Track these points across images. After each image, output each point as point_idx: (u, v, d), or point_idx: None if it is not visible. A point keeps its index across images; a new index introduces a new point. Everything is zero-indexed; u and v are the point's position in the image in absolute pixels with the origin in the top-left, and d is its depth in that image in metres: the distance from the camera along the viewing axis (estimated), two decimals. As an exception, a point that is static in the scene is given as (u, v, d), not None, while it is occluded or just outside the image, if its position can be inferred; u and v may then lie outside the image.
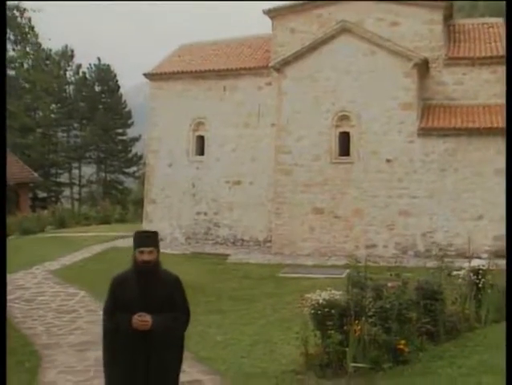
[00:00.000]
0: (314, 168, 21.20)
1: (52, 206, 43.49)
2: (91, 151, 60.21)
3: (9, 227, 25.21)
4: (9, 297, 13.01)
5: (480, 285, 10.86)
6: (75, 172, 60.97)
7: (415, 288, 9.79)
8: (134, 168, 60.96)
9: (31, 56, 35.47)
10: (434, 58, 21.41)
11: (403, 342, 8.74)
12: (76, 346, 10.63)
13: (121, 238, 25.34)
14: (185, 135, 24.53)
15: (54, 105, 57.14)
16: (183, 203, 24.57)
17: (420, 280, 10.01)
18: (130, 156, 60.95)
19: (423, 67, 20.97)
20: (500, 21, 23.03)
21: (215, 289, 15.48)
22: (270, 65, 22.46)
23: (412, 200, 20.28)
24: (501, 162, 18.94)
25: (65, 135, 60.98)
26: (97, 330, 10.94)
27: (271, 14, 23.44)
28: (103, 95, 60.47)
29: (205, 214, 24.25)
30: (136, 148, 60.25)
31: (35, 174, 41.01)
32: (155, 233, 5.94)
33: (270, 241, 22.26)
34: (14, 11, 31.16)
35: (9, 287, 13.59)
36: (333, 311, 8.64)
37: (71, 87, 61.05)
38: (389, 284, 9.70)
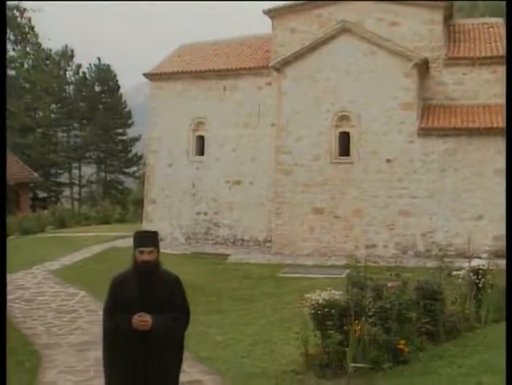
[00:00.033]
0: (314, 168, 21.21)
1: (52, 206, 43.51)
2: (91, 151, 60.22)
3: (9, 227, 25.22)
4: (9, 297, 13.02)
5: (480, 285, 10.87)
6: (75, 172, 60.98)
7: (415, 288, 9.80)
8: (134, 168, 60.97)
9: (31, 56, 35.50)
10: (434, 58, 21.42)
11: (403, 342, 8.74)
12: (76, 345, 10.63)
13: (121, 238, 25.34)
14: (185, 135, 24.54)
15: (54, 105, 57.18)
16: (183, 203, 24.57)
17: (420, 280, 10.02)
18: (130, 156, 60.96)
19: (423, 67, 20.97)
20: (500, 21, 23.04)
21: (215, 289, 15.48)
22: (270, 65, 22.46)
23: (412, 200, 20.29)
24: (501, 162, 18.95)
25: (65, 135, 60.99)
26: (97, 330, 10.95)
27: (271, 13, 23.44)
28: (103, 95, 60.48)
29: (205, 214, 24.25)
30: (136, 148, 60.26)
31: (35, 174, 41.01)
32: (155, 233, 5.93)
33: (270, 241, 22.26)
34: (14, 11, 31.17)
35: (9, 287, 13.59)
36: (333, 311, 8.65)
37: (71, 86, 61.08)
38: (389, 284, 9.71)
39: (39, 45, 37.75)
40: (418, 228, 20.25)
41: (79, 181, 61.11)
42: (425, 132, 20.29)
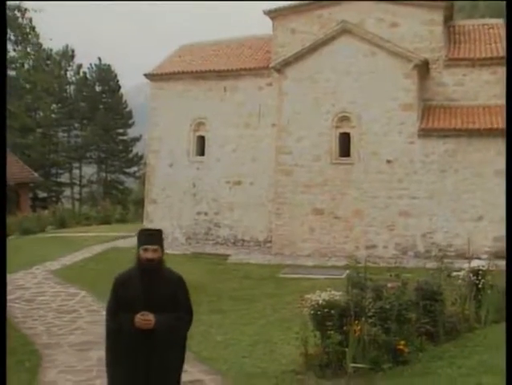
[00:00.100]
0: (315, 168, 21.22)
1: (53, 206, 43.52)
2: (92, 151, 60.25)
3: (9, 227, 25.26)
4: (9, 297, 13.04)
5: (480, 286, 10.89)
6: (76, 172, 61.01)
7: (415, 288, 9.82)
8: (135, 168, 61.01)
9: (32, 56, 35.51)
10: (434, 59, 21.43)
11: (402, 342, 8.76)
12: (76, 345, 10.65)
13: (122, 238, 25.41)
14: (186, 135, 24.56)
15: (54, 105, 57.23)
16: (183, 203, 24.59)
17: (420, 280, 10.04)
18: (131, 156, 60.99)
19: (423, 68, 20.99)
20: (500, 22, 23.05)
21: (215, 290, 15.50)
22: (270, 66, 22.48)
23: (412, 200, 20.30)
24: (501, 163, 18.95)
25: (66, 135, 61.02)
26: (97, 330, 11.02)
27: (272, 14, 23.46)
28: (104, 95, 60.51)
29: (206, 214, 24.27)
30: (137, 148, 60.29)
31: (36, 174, 41.04)
32: (159, 231, 5.93)
33: (270, 242, 22.27)
34: (15, 12, 31.17)
35: (9, 287, 13.62)
36: (333, 312, 8.66)
37: (72, 87, 61.11)
38: (389, 284, 9.73)
39: (40, 45, 37.76)
40: (418, 229, 20.26)
41: (80, 181, 61.13)
42: (425, 133, 20.31)
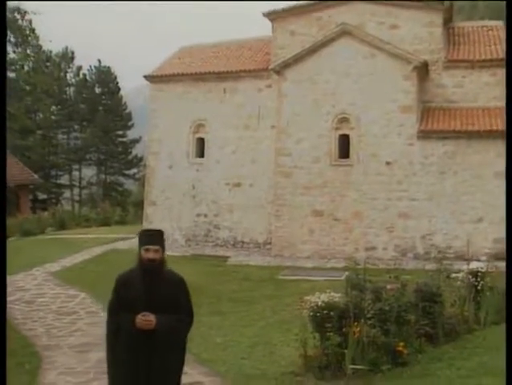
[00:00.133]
0: (314, 170, 21.23)
1: (52, 208, 43.49)
2: (92, 152, 60.27)
3: (9, 228, 25.27)
4: (9, 298, 13.05)
5: (479, 288, 10.90)
6: (76, 173, 61.04)
7: (414, 290, 9.83)
8: (134, 170, 61.01)
9: (32, 58, 35.55)
10: (434, 60, 21.45)
11: (402, 344, 8.78)
12: (76, 347, 10.67)
13: (121, 240, 25.44)
14: (185, 137, 24.57)
15: (54, 107, 57.27)
16: (183, 205, 24.60)
17: (419, 282, 10.06)
18: (130, 157, 61.00)
19: (422, 70, 21.01)
20: (499, 24, 23.08)
21: (215, 291, 15.51)
22: (270, 67, 22.49)
23: (412, 202, 20.31)
24: (500, 165, 18.99)
25: (65, 136, 61.05)
26: (97, 332, 11.03)
27: (271, 16, 23.47)
28: (104, 97, 60.54)
29: (205, 216, 24.28)
30: (137, 150, 60.31)
31: (35, 176, 41.07)
32: (160, 232, 5.92)
33: (269, 243, 22.28)
34: (15, 14, 31.22)
35: (9, 288, 13.64)
36: (332, 313, 8.68)
37: (72, 88, 61.16)
38: (388, 286, 9.74)
39: (40, 47, 37.79)
40: (417, 231, 20.26)
41: (80, 183, 61.15)
42: (425, 135, 20.32)
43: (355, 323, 8.56)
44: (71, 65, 60.96)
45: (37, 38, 34.16)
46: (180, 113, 24.45)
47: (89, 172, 61.95)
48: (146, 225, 24.47)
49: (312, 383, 8.39)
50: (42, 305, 14.20)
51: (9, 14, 28.64)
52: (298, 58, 21.49)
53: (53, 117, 57.27)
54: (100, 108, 59.24)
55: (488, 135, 19.73)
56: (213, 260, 20.74)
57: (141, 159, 56.41)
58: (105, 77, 60.22)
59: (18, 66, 36.14)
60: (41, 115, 54.95)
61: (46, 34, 45.43)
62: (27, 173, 39.27)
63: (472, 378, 8.12)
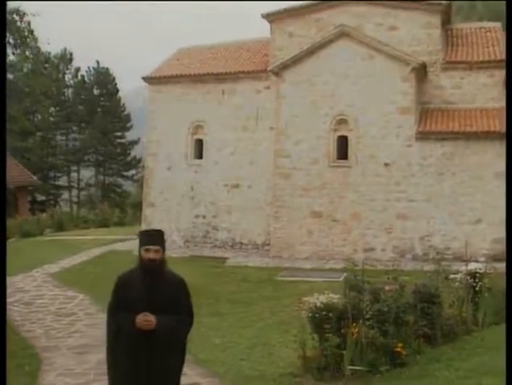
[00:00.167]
0: (313, 171, 21.25)
1: (51, 209, 43.52)
2: (90, 154, 60.30)
3: (8, 230, 25.21)
4: (8, 300, 13.04)
5: (477, 289, 10.92)
6: (74, 175, 61.03)
7: (412, 291, 9.85)
8: (133, 171, 61.02)
9: (31, 60, 35.51)
10: (432, 62, 21.48)
11: (400, 344, 8.79)
12: (75, 348, 10.68)
13: (120, 241, 25.45)
14: (184, 138, 24.58)
15: (52, 108, 57.27)
16: (181, 206, 24.61)
17: (418, 283, 10.07)
18: (129, 159, 61.02)
19: (421, 71, 21.04)
20: (497, 25, 23.12)
21: (213, 292, 15.52)
22: (268, 69, 22.52)
23: (410, 203, 20.33)
24: (498, 166, 19.06)
25: (64, 138, 61.06)
26: (96, 333, 11.05)
27: (270, 17, 23.49)
28: (102, 99, 60.57)
29: (204, 217, 24.29)
30: (135, 151, 60.36)
31: (34, 177, 41.08)
32: (161, 232, 5.93)
33: (268, 245, 22.29)
34: (14, 15, 31.18)
35: (8, 290, 13.63)
36: (330, 314, 8.70)
37: (70, 90, 61.17)
38: (386, 287, 9.76)
39: (38, 49, 37.73)
40: (416, 232, 20.28)
41: (78, 184, 61.16)
42: (423, 136, 20.34)
43: (354, 324, 8.58)
44: (69, 66, 61.00)
45: (35, 39, 34.10)
46: (178, 114, 24.47)
47: (87, 174, 61.97)
48: (144, 227, 24.46)
49: (311, 384, 8.41)
50: (41, 307, 14.22)
51: (8, 16, 28.64)
52: (296, 60, 21.52)
53: (51, 119, 57.29)
54: (99, 110, 59.30)
55: (486, 136, 19.76)
56: (211, 261, 20.76)
57: (140, 160, 56.47)
58: (103, 78, 60.25)
59: (17, 68, 36.10)
60: (39, 117, 54.92)
61: (44, 35, 45.42)
62: (26, 175, 39.29)
63: (470, 378, 8.12)
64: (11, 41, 31.48)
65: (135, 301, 5.60)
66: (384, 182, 20.52)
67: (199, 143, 24.63)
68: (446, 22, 22.74)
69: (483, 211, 19.71)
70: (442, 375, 8.33)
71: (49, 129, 57.22)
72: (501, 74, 20.64)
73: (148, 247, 5.70)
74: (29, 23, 32.47)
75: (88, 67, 60.80)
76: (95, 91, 60.68)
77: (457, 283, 11.09)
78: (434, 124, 20.57)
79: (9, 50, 31.56)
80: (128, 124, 61.00)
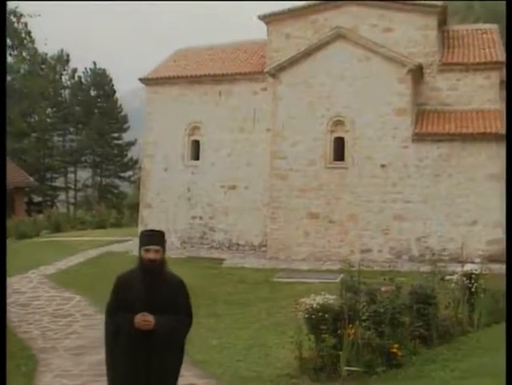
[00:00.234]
0: (310, 173, 21.28)
1: (47, 210, 43.43)
2: (87, 155, 60.21)
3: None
4: (5, 301, 13.05)
5: (473, 290, 10.96)
6: (71, 176, 60.97)
7: (408, 292, 9.89)
8: (130, 173, 60.98)
9: (28, 61, 35.53)
10: (428, 63, 21.53)
11: (396, 345, 8.83)
12: (72, 350, 10.68)
13: (116, 243, 25.43)
14: (181, 139, 24.60)
15: (49, 109, 57.16)
16: (178, 207, 24.62)
17: (414, 284, 10.11)
18: (126, 160, 60.95)
19: (417, 73, 21.09)
20: (494, 27, 23.22)
21: (210, 294, 15.51)
22: (265, 70, 22.55)
23: (407, 204, 20.37)
24: (494, 167, 19.16)
25: (61, 139, 60.94)
26: (93, 334, 11.06)
27: (266, 19, 23.53)
28: (99, 100, 60.47)
29: (201, 218, 24.30)
30: (132, 153, 60.26)
31: (31, 178, 41.05)
32: (161, 233, 5.94)
33: (265, 246, 22.31)
34: (11, 17, 31.22)
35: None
36: (327, 315, 8.73)
37: (67, 91, 61.08)
38: (383, 288, 9.80)
39: (35, 50, 37.75)
40: (412, 233, 20.32)
41: (75, 185, 61.07)
42: (419, 138, 20.38)
43: (350, 325, 8.61)
44: (66, 67, 60.89)
45: (32, 41, 34.14)
46: (175, 116, 24.48)
47: (84, 175, 61.88)
48: (141, 228, 24.42)
49: (307, 385, 8.45)
50: (38, 308, 14.22)
51: (5, 17, 28.68)
52: (293, 61, 21.55)
53: (48, 120, 57.18)
54: (96, 111, 59.19)
55: (482, 137, 19.80)
56: (208, 262, 20.75)
57: (137, 161, 56.37)
58: (100, 79, 60.19)
59: (14, 70, 36.12)
60: (36, 118, 54.84)
61: (42, 35, 45.36)
62: (23, 176, 39.28)
63: (466, 379, 8.16)
64: (9, 42, 31.50)
65: (134, 302, 5.61)
66: (381, 183, 20.56)
67: (196, 145, 24.65)
68: (442, 23, 22.81)
69: (478, 212, 19.75)
70: (438, 376, 8.37)
71: (46, 130, 57.09)
72: (497, 76, 20.75)
73: (148, 247, 5.72)
74: (26, 24, 32.52)
75: (85, 68, 60.79)
76: (92, 92, 60.60)
77: (452, 284, 11.15)
78: (430, 126, 20.62)
79: (6, 52, 31.59)
80: (125, 125, 60.93)
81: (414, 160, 20.39)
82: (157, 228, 6.18)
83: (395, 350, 8.76)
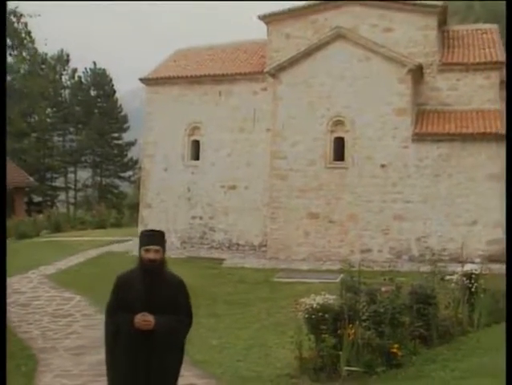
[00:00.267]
0: (310, 173, 21.28)
1: (47, 210, 43.42)
2: (87, 155, 60.21)
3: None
4: (5, 301, 13.05)
5: (473, 290, 10.96)
6: (71, 176, 60.97)
7: (408, 292, 9.89)
8: (129, 173, 60.98)
9: (28, 61, 35.54)
10: (428, 63, 21.53)
11: (396, 345, 8.83)
12: (72, 350, 10.68)
13: (116, 243, 25.42)
14: (181, 139, 24.60)
15: (49, 109, 57.16)
16: (178, 207, 24.62)
17: (414, 284, 10.11)
18: (125, 160, 60.95)
19: (417, 73, 21.09)
20: (494, 27, 23.22)
21: (210, 294, 15.51)
22: (265, 70, 22.55)
23: (407, 204, 20.37)
24: (494, 167, 19.15)
25: (61, 139, 60.94)
26: (93, 334, 11.06)
27: (266, 19, 23.53)
28: (99, 100, 60.47)
29: (201, 218, 24.30)
30: (132, 153, 60.26)
31: (31, 178, 41.06)
32: (161, 233, 5.94)
33: (265, 246, 22.31)
34: (11, 17, 31.22)
35: (5, 291, 13.63)
36: (327, 315, 8.73)
37: (67, 91, 61.08)
38: (383, 288, 9.80)
39: (35, 50, 37.74)
40: (412, 233, 20.32)
41: (75, 185, 61.07)
42: (419, 138, 20.38)
43: (350, 325, 8.61)
44: (66, 67, 60.89)
45: (33, 41, 34.14)
46: (175, 116, 24.48)
47: (84, 175, 61.87)
48: (141, 228, 24.42)
49: (307, 385, 8.45)
50: (38, 308, 14.22)
51: (5, 17, 28.68)
52: (293, 61, 21.55)
53: (48, 120, 57.19)
54: (96, 111, 59.19)
55: (482, 137, 19.80)
56: (208, 262, 20.75)
57: (137, 161, 56.36)
58: (100, 79, 60.19)
59: (14, 70, 36.12)
60: (36, 118, 54.84)
61: (42, 35, 45.35)
62: (23, 176, 39.29)
63: (466, 379, 8.16)
64: (9, 42, 31.50)
65: (134, 302, 5.61)
66: (381, 183, 20.56)
67: (196, 145, 24.65)
68: (442, 23, 22.81)
69: (478, 212, 19.75)
70: (438, 376, 8.37)
71: (46, 130, 57.09)
72: (497, 76, 20.75)
73: (148, 247, 5.72)
74: (26, 24, 32.51)
75: (85, 68, 60.80)
76: (92, 92, 60.60)
77: (452, 284, 11.15)
78: (430, 126, 20.62)
79: (7, 52, 31.60)
80: (125, 125, 60.93)
81: (414, 160, 20.39)
82: (157, 228, 6.18)
83: (395, 350, 8.77)
